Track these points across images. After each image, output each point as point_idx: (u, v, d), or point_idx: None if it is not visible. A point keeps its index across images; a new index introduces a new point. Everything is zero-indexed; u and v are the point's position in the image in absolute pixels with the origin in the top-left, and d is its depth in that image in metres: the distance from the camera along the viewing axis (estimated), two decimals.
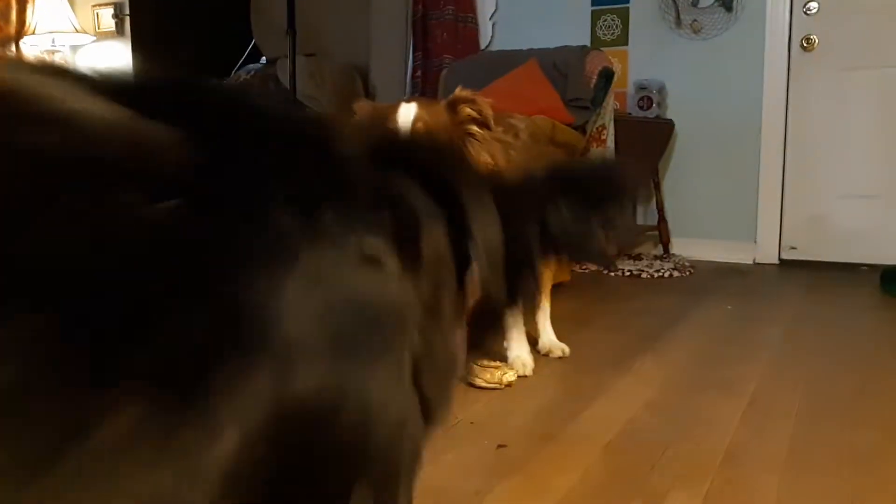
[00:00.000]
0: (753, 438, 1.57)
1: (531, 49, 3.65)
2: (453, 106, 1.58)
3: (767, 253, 4.10)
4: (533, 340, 2.19)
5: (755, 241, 4.12)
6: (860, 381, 1.98)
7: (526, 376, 2.00)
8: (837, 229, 3.95)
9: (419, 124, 1.34)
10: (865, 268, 3.81)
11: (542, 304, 2.26)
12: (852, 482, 1.36)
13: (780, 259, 4.09)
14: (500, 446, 1.52)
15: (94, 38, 5.68)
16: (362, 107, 1.67)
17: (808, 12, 3.91)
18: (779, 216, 4.07)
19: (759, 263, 4.10)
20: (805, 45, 3.93)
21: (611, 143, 3.47)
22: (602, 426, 1.65)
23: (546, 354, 2.21)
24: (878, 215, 3.86)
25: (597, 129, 3.42)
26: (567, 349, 2.22)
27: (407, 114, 1.40)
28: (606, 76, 3.25)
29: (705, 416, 1.72)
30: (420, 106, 1.56)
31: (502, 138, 1.97)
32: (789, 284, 3.56)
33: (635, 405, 1.79)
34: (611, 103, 3.46)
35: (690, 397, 1.86)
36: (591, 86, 3.23)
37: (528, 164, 2.06)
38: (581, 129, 3.28)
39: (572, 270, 3.56)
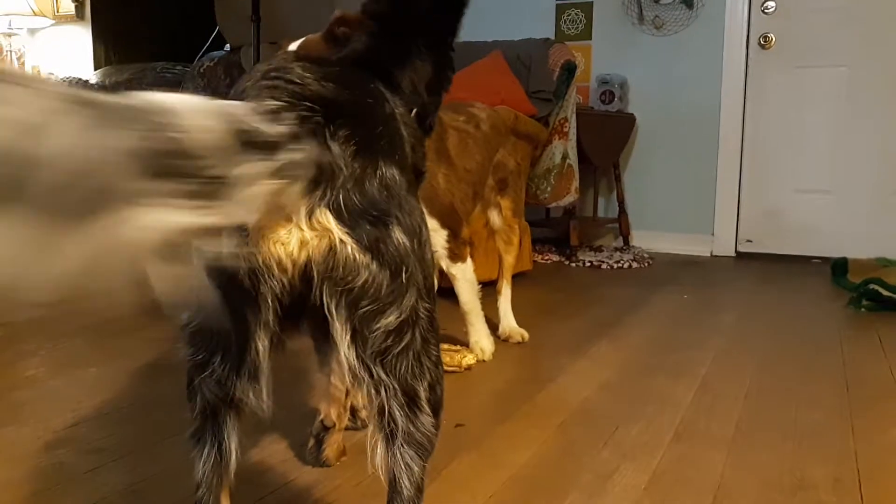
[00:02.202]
0: (702, 418, 1.63)
1: (495, 41, 3.68)
2: (330, 31, 1.60)
3: (725, 246, 4.19)
4: (493, 326, 2.23)
5: (713, 234, 4.21)
6: (805, 365, 2.05)
7: (485, 361, 2.04)
8: (792, 223, 4.06)
9: (301, 52, 1.43)
10: (818, 260, 3.92)
11: (503, 291, 2.30)
12: (794, 457, 1.42)
13: (736, 252, 4.19)
14: (457, 425, 1.55)
15: (53, 21, 5.57)
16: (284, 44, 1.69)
17: (766, 11, 4.00)
18: (736, 210, 4.17)
19: (716, 256, 4.20)
20: (763, 42, 4.02)
21: (573, 135, 3.52)
22: (557, 406, 1.69)
23: (506, 340, 2.25)
24: (831, 210, 3.98)
25: (559, 121, 3.47)
26: (526, 335, 2.26)
27: (293, 45, 1.49)
28: (569, 69, 3.30)
29: (657, 397, 1.77)
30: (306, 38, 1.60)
31: (462, 127, 2.00)
32: (744, 275, 3.65)
33: (590, 387, 1.83)
34: (573, 96, 3.51)
35: (644, 380, 1.91)
36: (554, 78, 3.28)
37: (488, 154, 2.09)
38: (544, 120, 3.33)
39: (534, 261, 3.61)
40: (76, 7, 5.57)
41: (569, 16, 4.39)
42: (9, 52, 5.51)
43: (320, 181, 0.70)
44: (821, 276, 3.50)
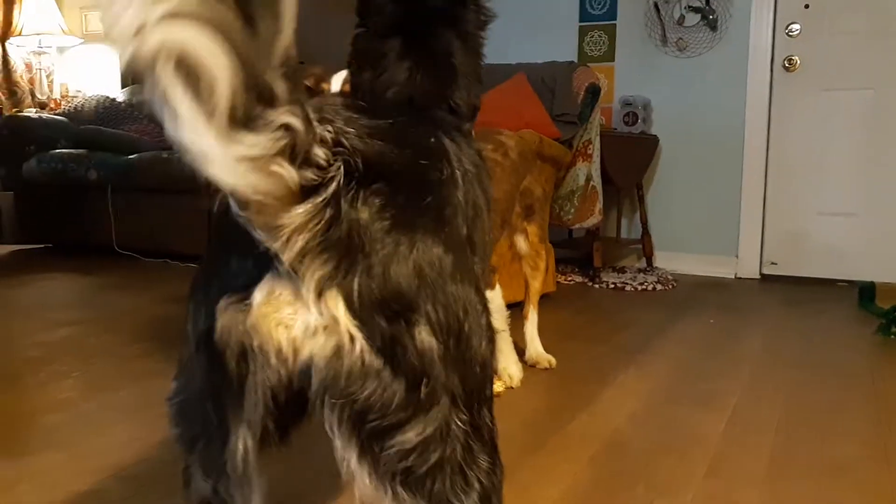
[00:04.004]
0: (735, 451, 1.61)
1: (519, 63, 3.70)
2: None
3: (749, 268, 4.17)
4: (520, 351, 2.23)
5: (737, 256, 4.19)
6: (836, 395, 2.03)
7: (513, 388, 2.04)
8: (817, 246, 4.03)
9: (347, 85, 1.44)
10: (843, 283, 3.89)
11: (530, 316, 2.30)
12: (830, 493, 1.41)
13: (761, 274, 4.16)
14: None
15: (82, 40, 5.66)
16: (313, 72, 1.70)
17: (791, 33, 3.99)
18: (760, 232, 4.15)
19: (740, 278, 4.17)
20: (787, 65, 4.01)
21: (597, 157, 3.52)
22: (587, 438, 1.68)
23: (533, 365, 2.24)
24: (856, 233, 3.94)
25: (583, 143, 3.47)
26: (553, 360, 2.26)
27: (339, 77, 1.50)
28: (593, 92, 3.31)
29: (688, 428, 1.76)
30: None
31: (490, 156, 2.01)
32: (770, 299, 3.62)
33: (620, 417, 1.83)
34: (597, 119, 3.52)
35: (673, 410, 1.90)
36: (579, 101, 3.28)
37: (515, 182, 2.10)
38: (568, 143, 3.33)
39: (557, 282, 3.60)
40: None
41: (592, 37, 4.41)
42: (38, 71, 5.61)
43: (339, 255, 0.59)
44: (847, 300, 3.47)
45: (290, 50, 0.52)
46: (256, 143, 0.50)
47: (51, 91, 5.67)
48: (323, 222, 0.57)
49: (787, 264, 4.11)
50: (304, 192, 0.56)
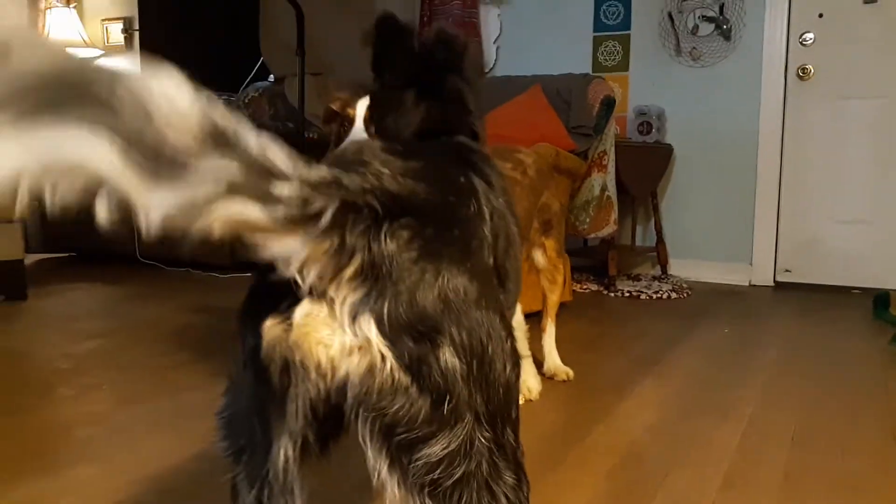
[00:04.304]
0: (750, 464, 1.65)
1: (535, 75, 3.75)
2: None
3: (763, 275, 4.19)
4: (538, 363, 2.28)
5: (751, 264, 4.21)
6: (850, 408, 2.07)
7: (531, 400, 2.08)
8: (831, 253, 4.05)
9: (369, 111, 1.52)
10: (857, 291, 3.91)
11: (547, 329, 2.35)
12: None
13: (775, 281, 4.19)
14: None
15: (103, 51, 5.76)
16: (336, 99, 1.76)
17: (805, 42, 4.02)
18: (774, 239, 4.17)
19: (754, 285, 4.20)
20: (801, 74, 4.04)
21: (611, 168, 3.56)
22: (606, 450, 1.73)
23: (551, 377, 2.29)
24: (870, 240, 3.96)
25: (598, 154, 3.52)
26: (571, 373, 2.30)
27: (363, 103, 1.55)
28: (608, 104, 3.35)
29: (704, 440, 1.80)
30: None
31: (509, 175, 2.06)
32: (784, 307, 3.65)
33: (637, 429, 1.87)
34: (612, 130, 3.56)
35: (690, 421, 1.94)
36: (594, 114, 3.33)
37: (534, 199, 2.15)
38: (583, 154, 3.38)
39: (574, 290, 3.64)
40: (125, 38, 5.77)
41: (606, 47, 4.45)
42: None
43: (369, 281, 0.64)
44: (861, 308, 3.49)
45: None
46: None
47: None
48: (333, 253, 0.62)
49: (801, 272, 4.13)
50: (306, 224, 0.60)
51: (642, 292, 3.78)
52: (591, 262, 4.27)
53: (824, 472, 1.62)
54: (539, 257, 2.32)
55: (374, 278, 0.64)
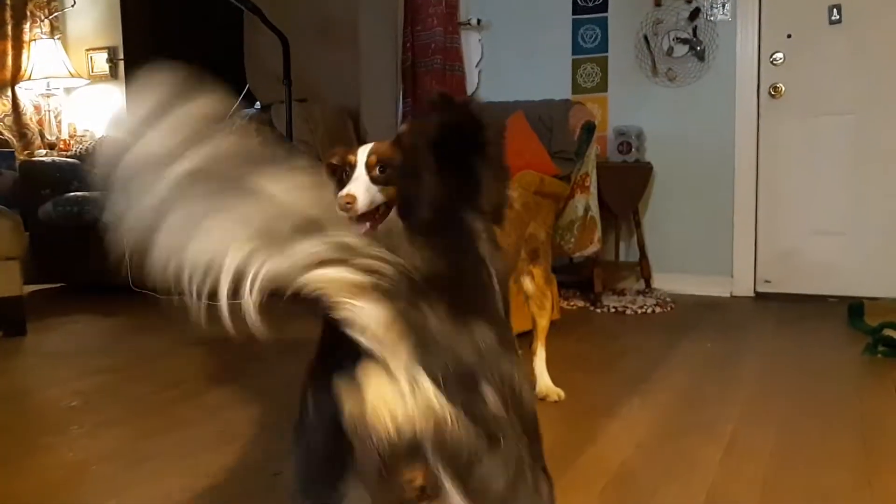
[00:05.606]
0: (731, 481, 1.77)
1: (517, 101, 3.88)
2: (398, 140, 1.79)
3: (743, 286, 4.34)
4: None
5: (731, 276, 4.36)
6: (826, 419, 2.19)
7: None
8: (808, 264, 4.21)
9: (372, 157, 1.59)
10: (834, 300, 4.06)
11: (538, 352, 2.46)
12: None
13: (755, 292, 4.33)
14: None
15: (88, 81, 5.83)
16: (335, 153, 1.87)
17: (775, 62, 4.18)
18: (753, 251, 4.32)
19: (735, 296, 4.34)
20: (773, 92, 4.20)
21: (594, 189, 3.69)
22: (597, 471, 1.84)
23: (543, 399, 2.39)
24: (846, 251, 4.12)
25: (581, 176, 3.65)
26: (562, 393, 2.41)
27: (364, 150, 1.65)
28: (589, 129, 3.49)
29: (689, 457, 1.91)
30: (375, 144, 1.77)
31: None
32: (764, 318, 3.79)
33: (627, 449, 1.98)
34: (594, 152, 3.69)
35: (676, 440, 2.05)
36: (575, 138, 3.46)
37: (521, 231, 2.26)
38: (566, 178, 3.50)
39: (562, 308, 3.76)
40: (110, 67, 5.84)
41: (585, 70, 4.59)
42: (47, 112, 5.78)
43: (420, 344, 0.72)
44: (838, 317, 3.63)
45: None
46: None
47: (59, 132, 5.83)
48: (392, 318, 0.72)
49: (780, 282, 4.28)
50: (374, 289, 0.71)
51: (627, 307, 3.90)
52: (578, 278, 4.39)
53: (800, 486, 1.74)
54: (528, 284, 2.43)
55: (419, 340, 0.73)
